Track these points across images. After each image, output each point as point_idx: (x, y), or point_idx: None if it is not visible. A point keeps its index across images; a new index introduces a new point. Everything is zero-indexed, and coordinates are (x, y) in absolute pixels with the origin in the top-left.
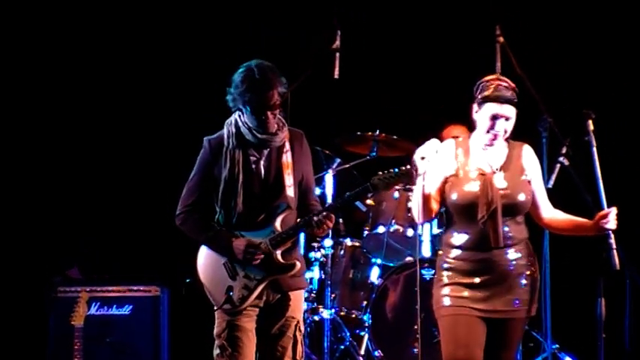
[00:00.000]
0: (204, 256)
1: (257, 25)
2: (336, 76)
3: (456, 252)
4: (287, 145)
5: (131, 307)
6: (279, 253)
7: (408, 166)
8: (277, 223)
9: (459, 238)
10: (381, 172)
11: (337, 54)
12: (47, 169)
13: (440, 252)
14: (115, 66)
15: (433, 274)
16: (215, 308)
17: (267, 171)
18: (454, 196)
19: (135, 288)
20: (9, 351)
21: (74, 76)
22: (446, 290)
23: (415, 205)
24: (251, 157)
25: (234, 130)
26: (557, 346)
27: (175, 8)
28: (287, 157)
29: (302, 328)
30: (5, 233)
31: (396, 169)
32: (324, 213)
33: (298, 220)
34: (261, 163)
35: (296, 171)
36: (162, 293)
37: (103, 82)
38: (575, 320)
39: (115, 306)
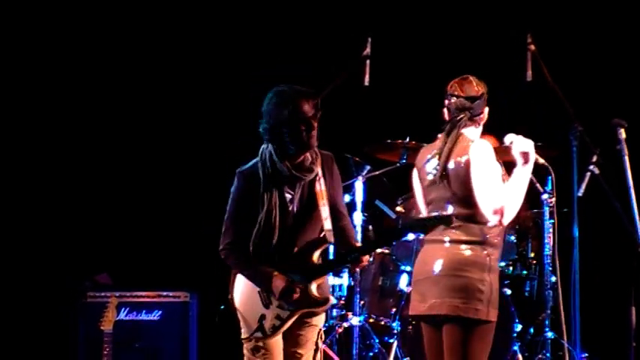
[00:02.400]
0: (241, 282)
1: (288, 33)
2: (366, 84)
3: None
4: (319, 173)
5: (160, 312)
6: (314, 287)
7: (450, 212)
8: (315, 258)
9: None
10: (421, 215)
11: (367, 61)
12: (79, 173)
13: (488, 251)
14: (149, 75)
15: None
16: (243, 337)
17: (302, 206)
18: None
19: (164, 293)
20: (39, 357)
21: (106, 83)
22: (497, 296)
23: (515, 201)
24: (287, 195)
25: (269, 165)
26: (587, 354)
27: (207, 18)
28: (320, 185)
29: (322, 336)
30: (36, 238)
31: (437, 213)
32: (358, 255)
33: (334, 259)
34: (296, 199)
35: (328, 198)
36: (192, 299)
37: (139, 88)
38: (605, 329)
39: (144, 311)
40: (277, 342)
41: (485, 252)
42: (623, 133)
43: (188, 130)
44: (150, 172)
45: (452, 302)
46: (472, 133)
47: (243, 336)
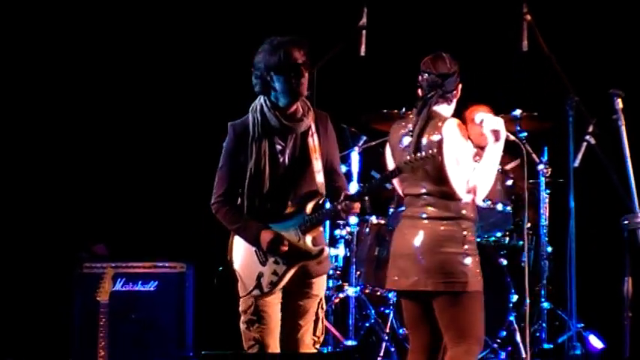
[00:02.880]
0: (238, 243)
1: (283, 3)
2: (362, 54)
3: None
4: (312, 128)
5: (156, 283)
6: (309, 239)
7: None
8: (308, 209)
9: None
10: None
11: (364, 31)
12: (76, 143)
13: (465, 225)
14: (142, 49)
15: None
16: (241, 295)
17: (294, 158)
18: None
19: (160, 264)
20: (34, 326)
21: (95, 61)
22: (478, 266)
23: (487, 180)
24: (277, 146)
25: (259, 117)
26: (582, 324)
27: None
28: (313, 141)
29: (324, 306)
30: (32, 209)
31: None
32: (349, 202)
33: (326, 208)
34: (287, 151)
35: (322, 154)
36: (188, 270)
37: (130, 64)
38: (601, 299)
39: (140, 282)
40: (274, 314)
41: (463, 226)
42: (620, 103)
43: (185, 100)
44: (146, 141)
45: (436, 279)
46: (444, 110)
47: (241, 294)
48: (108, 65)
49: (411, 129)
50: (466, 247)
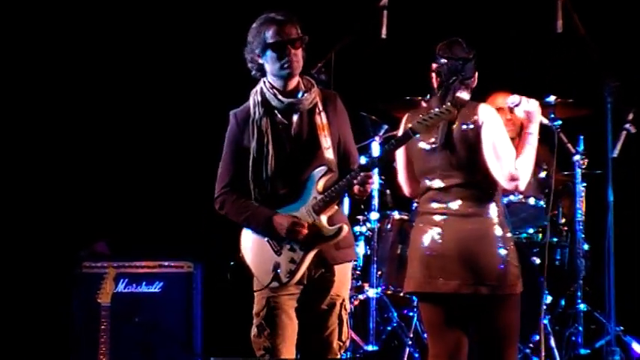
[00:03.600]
0: (248, 236)
1: None
2: (383, 36)
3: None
4: (319, 106)
5: (162, 284)
6: (324, 219)
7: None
8: (319, 188)
9: None
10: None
11: (385, 11)
12: (77, 138)
13: (501, 220)
14: (141, 47)
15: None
16: (256, 289)
17: (299, 136)
18: None
19: (166, 264)
20: (32, 330)
21: (93, 60)
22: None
23: (528, 166)
24: (280, 125)
25: (259, 98)
26: (622, 328)
27: None
28: (321, 119)
29: (347, 307)
30: (30, 205)
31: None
32: (363, 172)
33: (339, 184)
34: (292, 128)
35: (332, 133)
36: (196, 269)
37: (131, 65)
38: None
39: (144, 283)
40: (290, 321)
41: (497, 221)
42: None
43: (188, 93)
44: (149, 133)
45: (477, 280)
46: (465, 97)
47: (255, 288)
48: (107, 66)
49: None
50: (505, 244)
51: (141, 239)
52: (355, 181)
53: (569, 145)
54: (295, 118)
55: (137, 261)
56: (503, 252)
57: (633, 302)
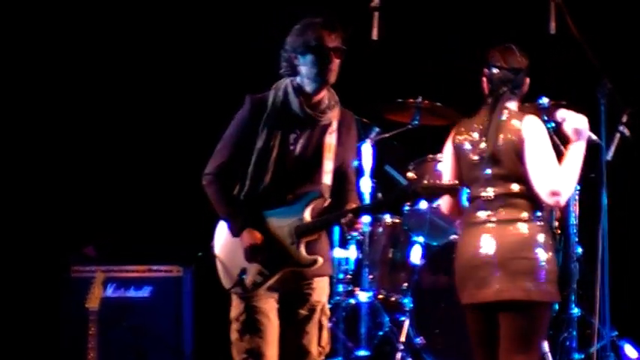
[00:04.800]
0: (224, 230)
1: None
2: (374, 37)
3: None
4: (334, 125)
5: (151, 288)
6: (302, 246)
7: (456, 182)
8: (307, 213)
9: None
10: (426, 182)
11: (376, 13)
12: (65, 140)
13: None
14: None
15: None
16: (226, 287)
17: (305, 151)
18: None
19: (155, 268)
20: (19, 335)
21: (91, 57)
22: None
23: (572, 181)
24: (291, 134)
25: (281, 96)
26: (616, 333)
27: None
28: (331, 139)
29: (327, 312)
30: (17, 208)
31: (444, 183)
32: (353, 215)
33: (328, 215)
34: (301, 141)
35: (338, 155)
36: (185, 274)
37: (119, 61)
38: (636, 304)
39: (133, 287)
40: (271, 323)
41: (540, 229)
42: None
43: (179, 98)
44: (137, 136)
45: (524, 286)
46: (513, 107)
47: (225, 286)
48: (94, 75)
49: (483, 127)
50: (548, 251)
51: (130, 243)
52: (343, 220)
53: (563, 148)
54: (308, 130)
55: (126, 265)
56: (543, 257)
57: (627, 306)
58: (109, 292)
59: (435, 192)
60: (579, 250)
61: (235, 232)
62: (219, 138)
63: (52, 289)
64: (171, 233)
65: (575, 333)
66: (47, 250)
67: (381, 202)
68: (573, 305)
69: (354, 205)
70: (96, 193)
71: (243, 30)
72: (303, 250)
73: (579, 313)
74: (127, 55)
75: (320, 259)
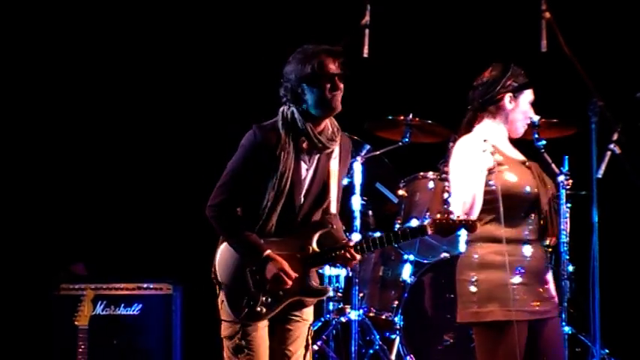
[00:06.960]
0: (229, 254)
1: (281, 1)
2: (365, 55)
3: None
4: (336, 151)
5: (140, 306)
6: (313, 274)
7: (426, 222)
8: (314, 243)
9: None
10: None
11: (367, 30)
12: (55, 161)
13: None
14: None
15: None
16: (225, 319)
17: (314, 179)
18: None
19: (144, 286)
20: (9, 354)
21: (81, 70)
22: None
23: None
24: (303, 164)
25: (290, 123)
26: (607, 351)
27: None
28: (334, 165)
29: (312, 332)
30: (7, 226)
31: (411, 225)
32: (351, 252)
33: (333, 247)
34: (311, 170)
35: (338, 181)
36: (175, 291)
37: (109, 75)
38: (627, 323)
39: (122, 305)
40: (263, 341)
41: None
42: None
43: (170, 116)
44: (127, 154)
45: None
46: (488, 127)
47: (225, 318)
48: (98, 90)
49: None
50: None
51: (119, 261)
52: (338, 253)
53: (554, 166)
54: (315, 158)
55: (115, 282)
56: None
57: (618, 325)
58: (99, 309)
59: (403, 237)
60: (570, 267)
61: (255, 260)
62: (211, 158)
63: (42, 306)
64: (161, 251)
65: (566, 351)
66: (37, 268)
67: (391, 237)
68: (564, 323)
69: (348, 242)
70: (85, 211)
71: (234, 53)
72: (313, 280)
73: (570, 331)
74: (127, 69)
75: (330, 289)
